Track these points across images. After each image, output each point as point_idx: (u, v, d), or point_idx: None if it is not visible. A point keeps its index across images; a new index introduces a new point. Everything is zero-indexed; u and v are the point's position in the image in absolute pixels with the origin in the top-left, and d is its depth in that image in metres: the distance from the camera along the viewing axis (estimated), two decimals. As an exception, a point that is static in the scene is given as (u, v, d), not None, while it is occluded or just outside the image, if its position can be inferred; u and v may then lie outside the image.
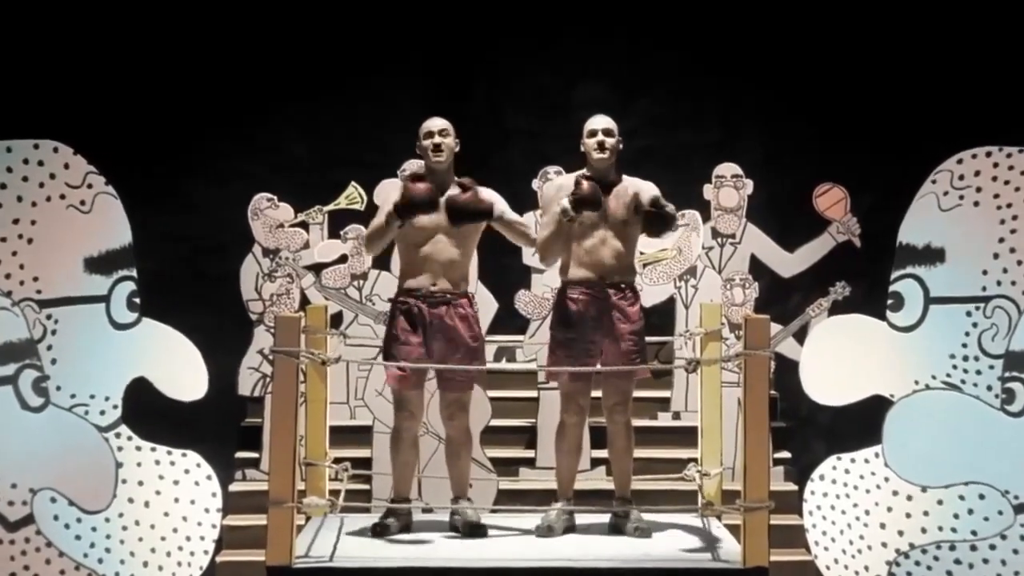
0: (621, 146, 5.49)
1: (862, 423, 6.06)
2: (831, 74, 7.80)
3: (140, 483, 5.90)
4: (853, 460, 5.89)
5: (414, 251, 5.36)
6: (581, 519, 5.56)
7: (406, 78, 8.08)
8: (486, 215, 5.34)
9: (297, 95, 7.88)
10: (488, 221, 5.38)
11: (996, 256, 5.72)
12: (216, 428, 6.98)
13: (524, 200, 6.19)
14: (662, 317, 6.92)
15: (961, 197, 5.76)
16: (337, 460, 5.68)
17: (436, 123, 5.44)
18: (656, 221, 5.35)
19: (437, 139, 5.38)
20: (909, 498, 5.77)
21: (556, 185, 5.50)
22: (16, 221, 5.73)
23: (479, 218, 5.33)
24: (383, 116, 7.92)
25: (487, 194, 5.43)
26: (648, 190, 5.42)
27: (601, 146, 5.39)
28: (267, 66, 7.81)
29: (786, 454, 6.83)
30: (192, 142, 7.68)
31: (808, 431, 7.44)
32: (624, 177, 5.47)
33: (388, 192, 5.57)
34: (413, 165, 6.52)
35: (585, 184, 5.29)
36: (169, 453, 5.95)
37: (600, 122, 5.46)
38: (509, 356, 7.25)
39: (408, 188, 5.26)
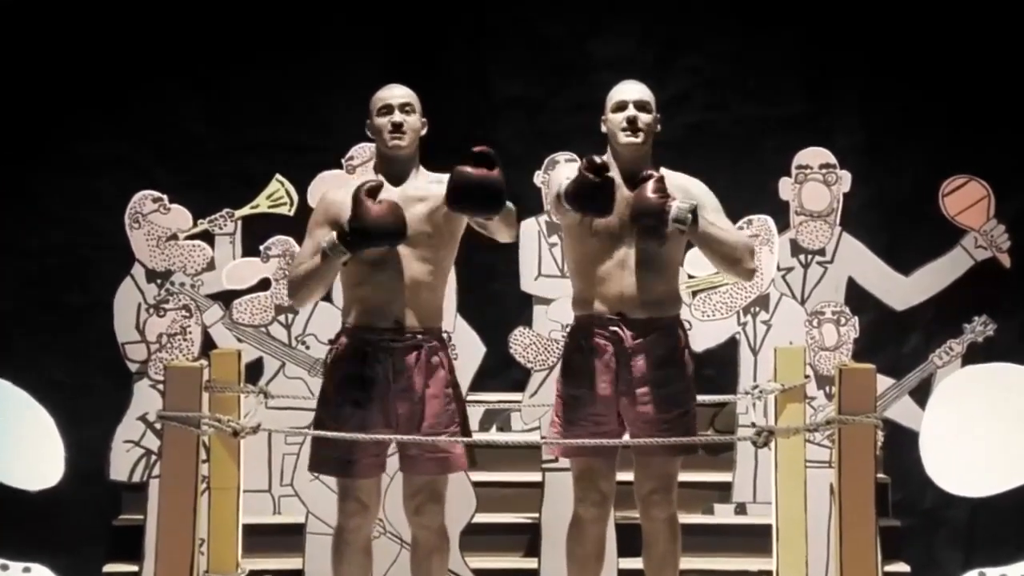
0: (659, 126, 5.47)
1: (1016, 523, 6.03)
2: (966, 19, 7.81)
3: (-36, 611, 5.91)
4: (1005, 578, 5.91)
5: (364, 272, 5.32)
6: (606, 658, 5.54)
7: (354, 27, 8.09)
8: (496, 211, 5.15)
9: (196, 50, 7.88)
10: (488, 218, 5.24)
11: None
12: (76, 529, 6.94)
13: (524, 200, 6.18)
14: (720, 367, 6.94)
15: None
16: (254, 574, 5.66)
17: (396, 93, 5.39)
18: (645, 226, 5.19)
19: (397, 116, 5.34)
20: (1092, 635, 5.81)
21: (567, 171, 5.42)
22: None
23: (489, 210, 5.15)
24: (321, 81, 7.94)
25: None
26: (697, 191, 5.39)
27: (632, 125, 5.35)
28: (152, 8, 7.82)
29: (903, 567, 6.79)
30: (43, 117, 7.68)
31: (935, 534, 7.42)
32: (664, 172, 5.39)
33: (329, 193, 5.52)
34: (364, 151, 6.51)
35: (589, 172, 5.09)
36: (5, 568, 5.91)
37: (631, 91, 5.42)
38: (502, 423, 7.22)
39: (363, 210, 5.19)
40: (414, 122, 5.39)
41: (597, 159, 5.14)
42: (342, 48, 8.04)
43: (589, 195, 5.14)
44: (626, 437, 5.40)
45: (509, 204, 5.25)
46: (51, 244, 7.72)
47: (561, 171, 5.46)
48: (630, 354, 5.35)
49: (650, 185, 5.19)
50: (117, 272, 6.84)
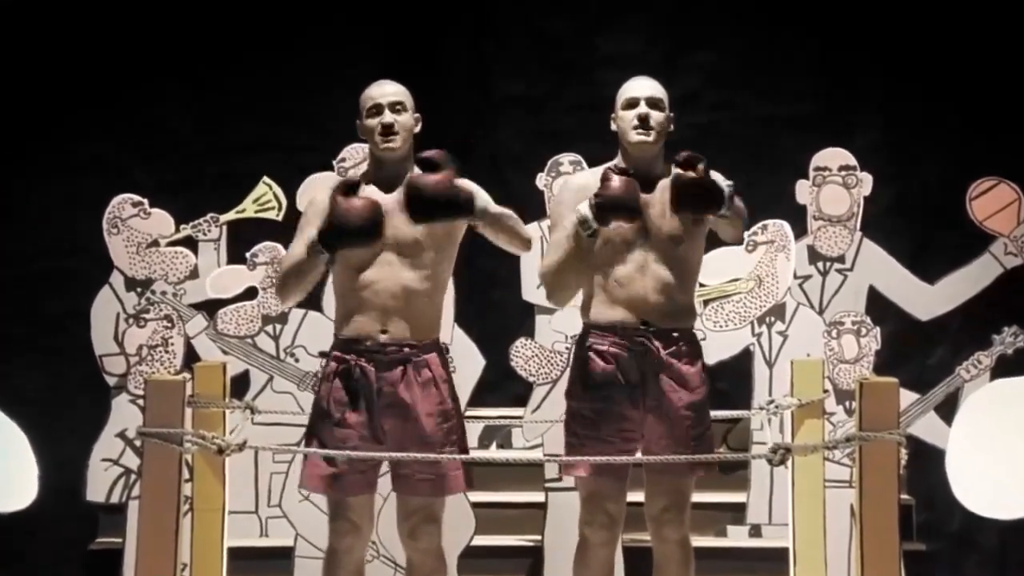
0: (672, 125, 5.48)
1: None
2: (994, 11, 7.79)
3: (-67, 639, 5.89)
4: (1037, 605, 5.89)
5: (353, 280, 5.31)
6: None
7: (352, 25, 8.09)
8: (466, 209, 5.27)
9: (182, 46, 7.87)
10: (468, 220, 5.33)
11: None
12: (50, 553, 6.93)
13: (526, 203, 6.18)
14: (733, 380, 6.93)
15: None
16: (239, 600, 5.68)
17: (386, 91, 5.39)
18: (692, 193, 5.27)
19: (388, 117, 5.33)
20: None
21: (576, 186, 5.47)
22: None
23: (455, 213, 5.28)
24: (317, 80, 7.94)
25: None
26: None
27: (644, 123, 5.37)
28: (142, 6, 7.81)
29: (928, 593, 6.84)
30: (17, 114, 7.66)
31: (962, 558, 7.41)
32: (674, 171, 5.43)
33: (320, 193, 5.50)
34: (356, 153, 6.50)
35: (616, 179, 5.27)
36: (-24, 594, 5.93)
37: (642, 87, 5.44)
38: (502, 440, 7.20)
39: (336, 208, 5.20)
40: (406, 121, 5.38)
41: (619, 166, 5.28)
42: (340, 47, 8.04)
43: (619, 201, 5.21)
44: (638, 455, 5.38)
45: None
46: (24, 250, 7.70)
47: (566, 195, 5.46)
48: (658, 366, 5.35)
49: (701, 167, 5.27)
50: (94, 280, 6.83)
